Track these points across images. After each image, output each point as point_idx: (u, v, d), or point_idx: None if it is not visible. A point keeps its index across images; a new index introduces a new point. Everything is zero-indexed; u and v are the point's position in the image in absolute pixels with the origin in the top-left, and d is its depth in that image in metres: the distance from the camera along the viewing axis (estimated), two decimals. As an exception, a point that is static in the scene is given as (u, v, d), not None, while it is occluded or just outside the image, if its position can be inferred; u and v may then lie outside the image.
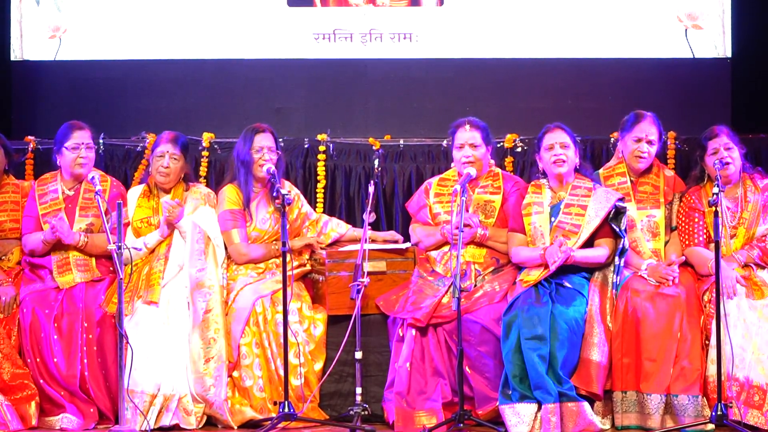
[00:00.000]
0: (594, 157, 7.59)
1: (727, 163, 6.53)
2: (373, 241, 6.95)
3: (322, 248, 6.93)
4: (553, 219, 6.60)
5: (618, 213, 6.55)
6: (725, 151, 6.57)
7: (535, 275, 6.50)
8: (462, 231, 6.37)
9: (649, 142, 6.70)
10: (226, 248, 6.82)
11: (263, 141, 6.84)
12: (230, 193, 6.87)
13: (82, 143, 6.78)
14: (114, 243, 6.15)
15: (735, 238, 6.57)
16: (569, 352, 6.29)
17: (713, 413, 6.06)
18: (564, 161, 6.59)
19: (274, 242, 6.81)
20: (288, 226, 6.67)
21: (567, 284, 6.49)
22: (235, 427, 6.49)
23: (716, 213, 6.15)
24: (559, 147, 6.60)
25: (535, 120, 7.53)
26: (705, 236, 6.59)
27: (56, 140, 6.83)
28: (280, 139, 7.12)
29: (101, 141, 7.65)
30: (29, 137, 7.70)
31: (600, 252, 6.53)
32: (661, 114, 6.95)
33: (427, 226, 6.88)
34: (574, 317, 6.34)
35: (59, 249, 6.73)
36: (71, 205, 6.81)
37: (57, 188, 6.85)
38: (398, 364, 6.47)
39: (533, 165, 6.91)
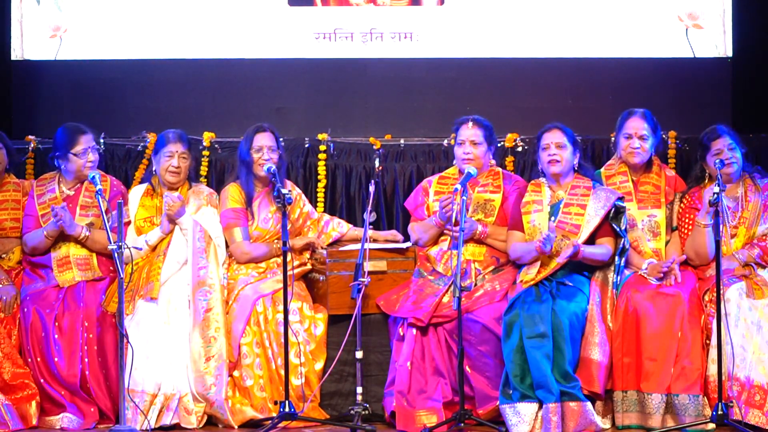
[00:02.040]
0: (594, 156, 7.59)
1: (731, 163, 6.54)
2: (374, 240, 6.95)
3: (322, 248, 6.93)
4: (553, 218, 6.61)
5: (618, 212, 6.56)
6: (729, 151, 6.58)
7: (533, 273, 6.50)
8: (463, 230, 6.38)
9: (641, 138, 6.72)
10: (227, 246, 6.83)
11: (263, 141, 6.84)
12: (233, 191, 6.88)
13: (89, 147, 6.78)
14: (114, 243, 6.16)
15: (735, 238, 6.58)
16: (571, 348, 6.30)
17: (714, 413, 6.06)
18: (558, 161, 6.61)
19: (275, 241, 6.81)
20: (290, 226, 6.68)
21: (568, 283, 6.50)
22: (236, 427, 6.50)
23: (717, 213, 6.15)
24: (554, 147, 6.62)
25: (535, 119, 7.53)
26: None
27: (59, 146, 6.78)
28: (281, 139, 7.12)
29: (102, 140, 7.65)
30: (30, 137, 7.69)
31: (603, 250, 6.54)
32: (661, 113, 6.95)
33: (423, 220, 6.89)
34: (575, 312, 6.35)
35: (59, 244, 6.72)
36: (71, 204, 6.81)
37: (54, 188, 6.84)
38: (399, 363, 6.47)
39: (534, 164, 6.92)
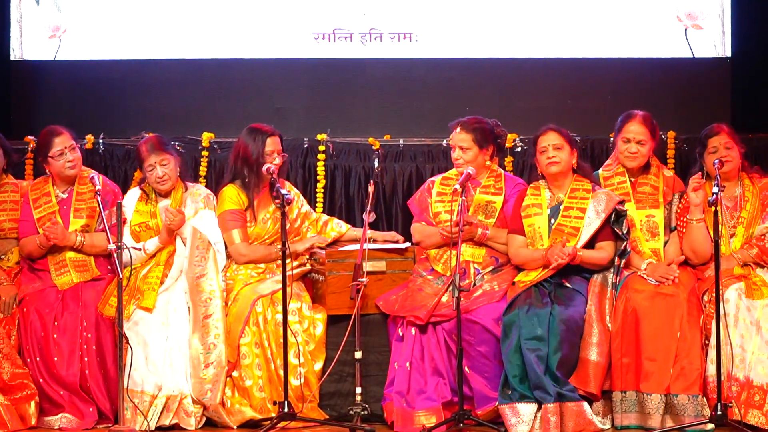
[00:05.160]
0: (594, 156, 7.60)
1: (727, 161, 6.54)
2: (373, 240, 6.95)
3: (322, 248, 6.93)
4: (552, 221, 6.60)
5: (619, 216, 6.56)
6: (725, 150, 6.58)
7: (532, 276, 6.50)
8: (462, 230, 6.37)
9: (639, 143, 6.70)
10: (226, 247, 6.82)
11: (276, 145, 6.80)
12: (231, 193, 6.85)
13: (65, 147, 6.75)
14: (113, 243, 6.15)
15: (734, 237, 6.58)
16: (567, 353, 6.30)
17: (713, 413, 6.06)
18: (557, 162, 6.61)
19: (275, 244, 6.78)
20: (288, 226, 6.68)
21: (567, 284, 6.50)
22: (235, 427, 6.50)
23: (715, 213, 6.15)
24: (552, 149, 6.62)
25: (535, 120, 7.52)
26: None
27: (39, 149, 6.80)
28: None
29: (101, 141, 7.66)
30: (29, 137, 7.70)
31: (602, 254, 6.53)
32: (660, 114, 6.95)
33: (430, 226, 6.88)
34: (572, 317, 6.35)
35: (56, 250, 6.72)
36: (65, 207, 6.80)
37: (49, 191, 6.84)
38: (398, 364, 6.47)
39: (534, 166, 6.91)
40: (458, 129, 6.79)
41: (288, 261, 6.35)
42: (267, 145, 6.79)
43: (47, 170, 6.83)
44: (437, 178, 7.03)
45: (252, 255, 6.79)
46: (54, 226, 6.63)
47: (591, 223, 6.54)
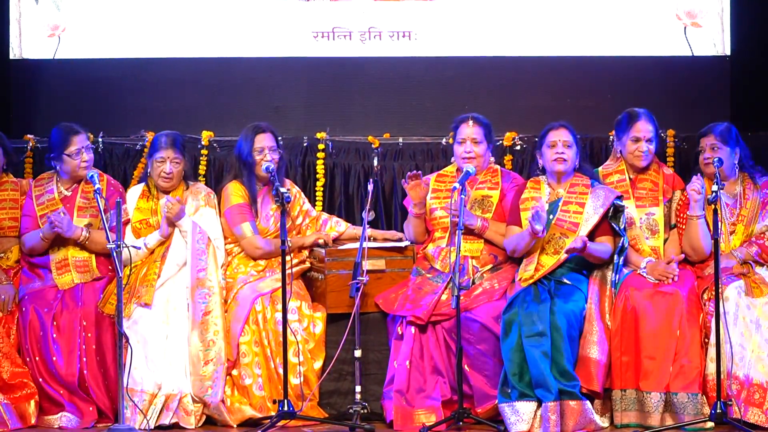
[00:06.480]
0: (593, 155, 7.59)
1: (709, 163, 6.53)
2: (373, 239, 6.95)
3: (323, 246, 6.91)
4: (551, 216, 6.61)
5: (617, 211, 6.56)
6: (709, 150, 6.60)
7: (531, 271, 6.50)
8: (461, 229, 6.38)
9: (648, 140, 6.71)
10: (232, 242, 6.80)
11: (264, 141, 6.83)
12: (235, 188, 6.84)
13: (82, 147, 6.76)
14: (113, 242, 6.15)
15: (734, 235, 6.58)
16: (570, 347, 6.30)
17: (713, 411, 6.06)
18: (564, 160, 6.61)
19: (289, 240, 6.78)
20: (290, 223, 6.68)
21: (566, 281, 6.50)
22: (234, 426, 6.50)
23: (715, 210, 6.15)
24: (561, 145, 6.62)
25: (534, 118, 7.54)
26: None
27: (53, 146, 6.78)
28: (279, 138, 7.12)
29: (100, 139, 7.65)
30: (28, 136, 7.69)
31: (605, 248, 6.53)
32: (660, 112, 6.95)
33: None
34: (572, 311, 6.36)
35: (58, 247, 6.71)
36: (69, 205, 6.79)
37: (53, 188, 6.83)
38: (397, 362, 6.47)
39: (533, 162, 6.93)
40: (471, 122, 6.82)
41: (288, 259, 6.35)
42: (255, 142, 6.80)
43: (56, 166, 6.82)
44: (432, 176, 7.04)
45: (267, 247, 6.77)
46: (57, 216, 6.60)
47: (589, 219, 6.55)
